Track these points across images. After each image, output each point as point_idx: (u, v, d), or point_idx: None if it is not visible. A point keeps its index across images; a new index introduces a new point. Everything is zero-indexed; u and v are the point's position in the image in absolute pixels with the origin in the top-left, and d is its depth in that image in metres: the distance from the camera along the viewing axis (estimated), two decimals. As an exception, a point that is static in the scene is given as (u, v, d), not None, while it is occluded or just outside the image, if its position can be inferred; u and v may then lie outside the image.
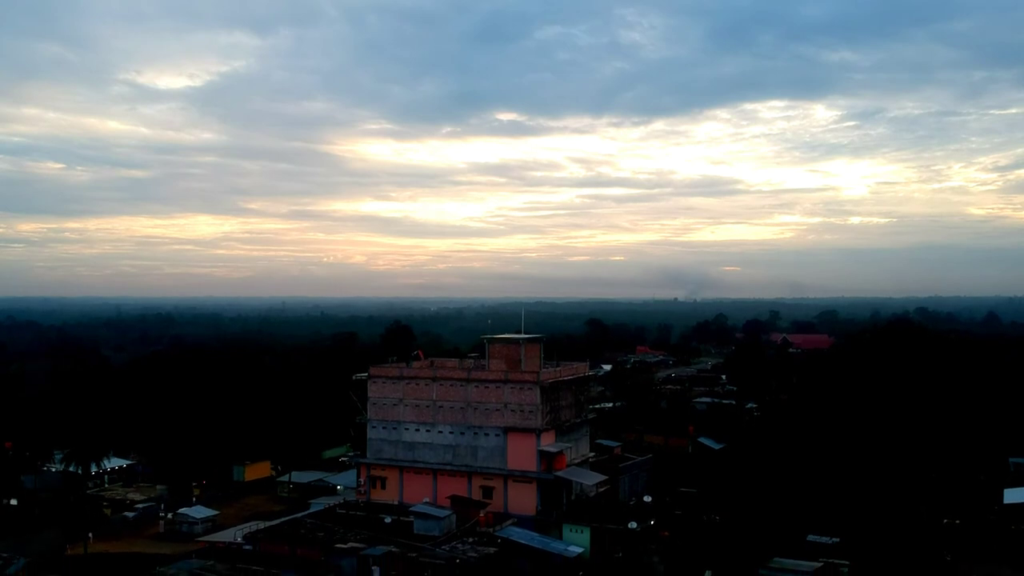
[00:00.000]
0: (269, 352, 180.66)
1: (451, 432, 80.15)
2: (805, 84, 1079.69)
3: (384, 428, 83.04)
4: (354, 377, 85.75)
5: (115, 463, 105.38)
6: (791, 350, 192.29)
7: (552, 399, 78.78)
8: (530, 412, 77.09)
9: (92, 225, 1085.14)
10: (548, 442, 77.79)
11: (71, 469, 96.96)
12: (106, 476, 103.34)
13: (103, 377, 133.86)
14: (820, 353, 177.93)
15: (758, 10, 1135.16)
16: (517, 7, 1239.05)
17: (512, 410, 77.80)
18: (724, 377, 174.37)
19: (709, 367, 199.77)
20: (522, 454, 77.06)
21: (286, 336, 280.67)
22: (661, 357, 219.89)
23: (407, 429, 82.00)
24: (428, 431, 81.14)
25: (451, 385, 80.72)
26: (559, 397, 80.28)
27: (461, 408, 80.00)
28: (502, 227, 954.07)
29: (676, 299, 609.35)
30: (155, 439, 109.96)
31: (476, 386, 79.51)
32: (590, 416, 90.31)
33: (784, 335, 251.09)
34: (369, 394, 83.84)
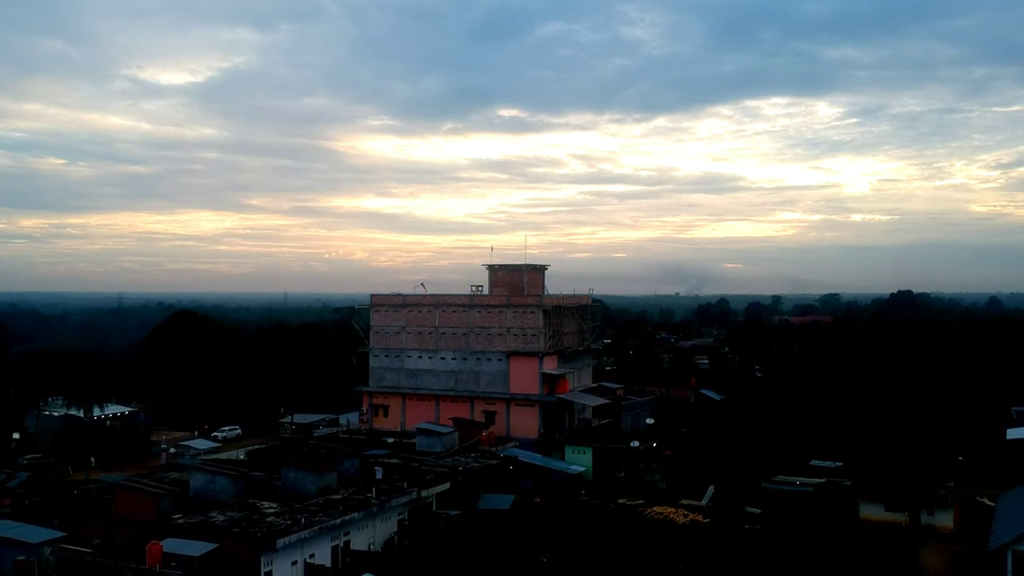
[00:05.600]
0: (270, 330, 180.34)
1: (453, 358, 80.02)
2: (807, 81, 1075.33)
3: (387, 356, 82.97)
4: (356, 307, 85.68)
5: (117, 410, 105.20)
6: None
7: (555, 323, 78.61)
8: (533, 336, 76.95)
9: (94, 221, 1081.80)
10: (551, 366, 77.65)
11: (72, 412, 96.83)
12: (108, 422, 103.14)
13: (106, 344, 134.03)
14: (823, 324, 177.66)
15: (760, 7, 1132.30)
16: (518, 3, 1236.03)
17: (515, 334, 77.71)
18: (727, 349, 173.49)
19: (712, 340, 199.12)
20: (524, 378, 76.93)
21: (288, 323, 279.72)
22: (664, 335, 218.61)
23: (409, 356, 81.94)
24: (430, 358, 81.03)
25: (453, 311, 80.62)
26: (562, 323, 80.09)
27: (463, 334, 79.89)
28: (504, 224, 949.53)
29: (677, 294, 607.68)
30: (158, 390, 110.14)
31: (478, 311, 79.43)
32: (593, 346, 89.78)
33: (787, 317, 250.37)
34: (371, 323, 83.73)
